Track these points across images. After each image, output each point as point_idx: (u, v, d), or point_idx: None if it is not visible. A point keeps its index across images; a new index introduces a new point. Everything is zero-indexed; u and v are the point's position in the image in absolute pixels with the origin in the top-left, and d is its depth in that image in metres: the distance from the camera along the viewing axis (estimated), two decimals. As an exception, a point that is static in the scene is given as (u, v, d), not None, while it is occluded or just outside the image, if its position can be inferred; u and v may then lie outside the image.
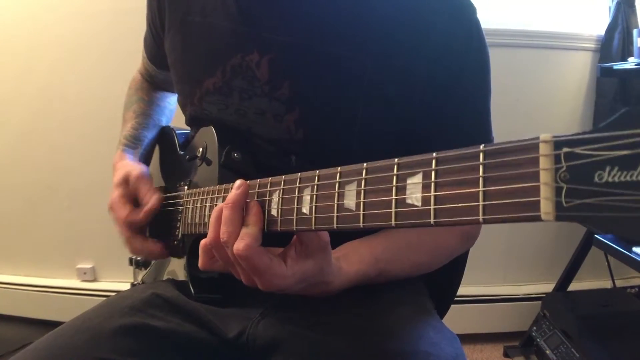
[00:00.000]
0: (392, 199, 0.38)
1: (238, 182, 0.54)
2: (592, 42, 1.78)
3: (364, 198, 0.41)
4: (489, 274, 1.90)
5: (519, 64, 1.79)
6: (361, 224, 0.41)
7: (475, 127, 0.72)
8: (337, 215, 0.44)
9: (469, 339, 1.85)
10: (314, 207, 0.46)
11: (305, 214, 0.47)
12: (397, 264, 0.69)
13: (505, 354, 1.79)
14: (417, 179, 0.37)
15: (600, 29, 1.76)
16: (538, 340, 1.62)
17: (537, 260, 1.93)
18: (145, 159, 0.97)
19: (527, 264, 1.93)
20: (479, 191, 0.32)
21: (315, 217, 0.46)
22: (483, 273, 1.88)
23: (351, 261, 0.63)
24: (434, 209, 0.35)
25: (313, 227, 0.46)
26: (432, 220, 0.35)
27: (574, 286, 1.76)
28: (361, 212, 0.41)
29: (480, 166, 0.32)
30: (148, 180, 0.83)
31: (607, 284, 1.81)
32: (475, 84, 0.72)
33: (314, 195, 0.46)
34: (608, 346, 1.39)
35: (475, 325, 1.87)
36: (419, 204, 0.36)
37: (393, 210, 0.38)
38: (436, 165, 0.36)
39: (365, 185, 0.41)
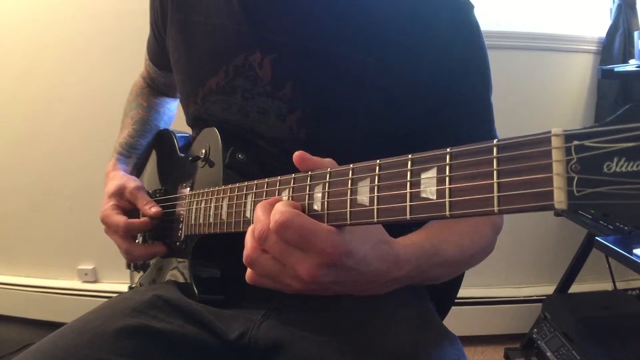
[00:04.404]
0: (406, 193, 0.39)
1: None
2: (593, 44, 1.78)
3: (378, 193, 0.42)
4: (490, 276, 1.90)
5: (520, 66, 1.79)
6: (375, 219, 0.42)
7: (478, 126, 0.73)
8: (350, 211, 0.44)
9: (469, 341, 1.85)
10: (326, 202, 0.46)
11: (316, 211, 0.47)
12: (446, 243, 0.63)
13: (506, 356, 1.79)
14: (432, 173, 0.38)
15: (601, 31, 1.76)
16: (539, 342, 1.62)
17: (538, 263, 1.93)
18: (140, 167, 0.97)
19: (528, 266, 1.94)
20: (493, 183, 0.33)
21: (327, 212, 0.46)
22: (484, 275, 1.88)
23: (403, 238, 0.57)
24: (449, 201, 0.36)
25: (326, 223, 0.46)
26: (447, 213, 0.36)
27: (574, 288, 1.76)
28: (375, 206, 0.42)
29: (494, 159, 0.34)
30: (145, 192, 0.84)
31: (608, 286, 1.81)
32: (477, 83, 0.72)
33: (326, 193, 0.47)
34: (609, 348, 1.39)
35: (476, 327, 1.87)
36: (434, 197, 0.37)
37: (408, 204, 0.39)
38: (450, 160, 0.37)
39: (378, 181, 0.42)
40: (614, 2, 1.74)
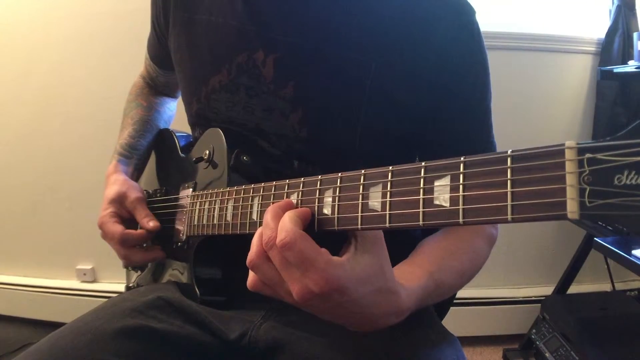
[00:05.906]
0: (419, 199, 0.40)
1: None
2: (593, 45, 1.79)
3: (390, 199, 0.42)
4: (489, 276, 1.90)
5: (520, 67, 1.80)
6: (387, 224, 0.42)
7: (475, 130, 0.73)
8: (361, 215, 0.44)
9: (468, 341, 1.85)
10: (336, 206, 0.46)
11: (326, 215, 0.47)
12: (447, 273, 0.64)
13: (505, 357, 1.79)
14: (445, 181, 0.38)
15: (601, 32, 1.77)
16: (537, 343, 1.62)
17: (537, 263, 1.94)
18: (141, 168, 0.97)
19: (527, 267, 1.94)
20: (507, 192, 0.34)
21: (338, 217, 0.46)
22: (483, 275, 1.86)
23: (407, 278, 0.57)
24: (463, 209, 0.37)
25: (336, 227, 0.46)
26: (461, 220, 0.36)
27: (573, 289, 1.77)
28: (387, 212, 0.42)
29: (508, 169, 0.34)
30: (145, 205, 0.85)
31: (606, 287, 1.81)
32: (477, 87, 0.73)
33: (337, 197, 0.47)
34: (607, 349, 1.39)
35: (474, 327, 1.87)
36: (447, 204, 0.38)
37: (421, 210, 0.39)
38: (464, 169, 0.37)
39: (391, 188, 0.42)
40: (613, 3, 1.75)
